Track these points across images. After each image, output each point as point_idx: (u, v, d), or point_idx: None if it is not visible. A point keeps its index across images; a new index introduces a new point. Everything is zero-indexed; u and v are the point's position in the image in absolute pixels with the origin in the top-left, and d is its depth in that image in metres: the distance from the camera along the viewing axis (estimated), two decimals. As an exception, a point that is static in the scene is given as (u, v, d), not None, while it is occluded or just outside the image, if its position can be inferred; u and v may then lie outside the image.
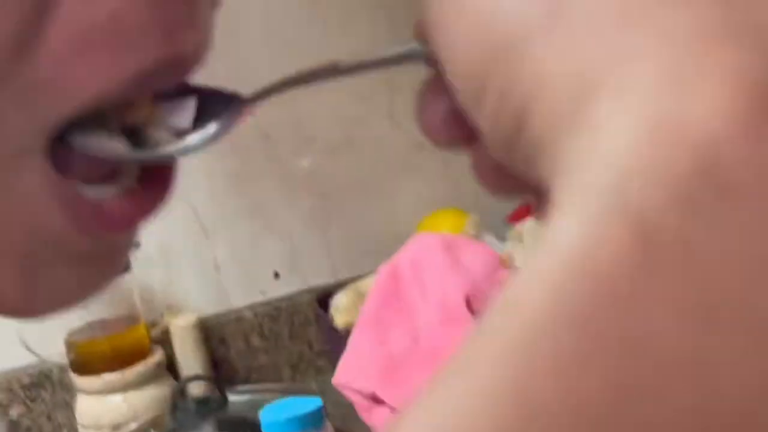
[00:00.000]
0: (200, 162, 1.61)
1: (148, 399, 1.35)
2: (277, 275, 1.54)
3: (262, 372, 1.54)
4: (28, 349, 1.30)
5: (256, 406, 1.24)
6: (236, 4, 1.62)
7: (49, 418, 1.35)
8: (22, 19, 0.26)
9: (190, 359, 1.42)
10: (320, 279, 1.58)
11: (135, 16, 0.28)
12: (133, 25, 0.28)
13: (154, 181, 0.34)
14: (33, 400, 1.33)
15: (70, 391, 1.32)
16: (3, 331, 1.31)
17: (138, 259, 1.48)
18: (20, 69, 0.26)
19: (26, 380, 1.33)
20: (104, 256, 0.34)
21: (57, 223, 0.29)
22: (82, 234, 0.30)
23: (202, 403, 1.37)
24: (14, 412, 1.33)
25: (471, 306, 1.39)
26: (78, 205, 0.30)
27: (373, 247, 1.63)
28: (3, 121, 0.27)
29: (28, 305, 0.33)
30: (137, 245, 1.42)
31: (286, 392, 1.35)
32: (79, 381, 1.27)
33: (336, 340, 1.45)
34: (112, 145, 0.31)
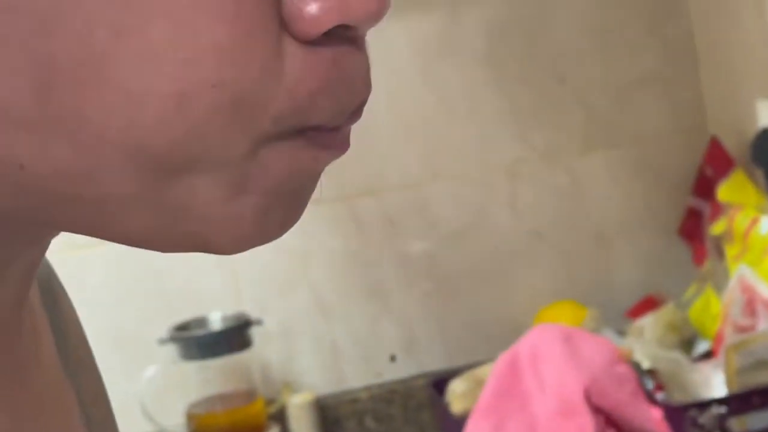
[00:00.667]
0: (323, 243, 1.67)
1: (263, 473, 1.33)
2: (393, 358, 1.55)
3: (376, 454, 1.51)
4: (150, 418, 1.33)
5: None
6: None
7: (164, 486, 1.38)
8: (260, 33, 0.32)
9: (305, 437, 1.40)
10: (436, 364, 1.58)
11: (353, 66, 0.35)
12: (352, 76, 0.35)
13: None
14: (152, 469, 1.36)
15: (188, 461, 1.34)
16: (125, 399, 1.34)
17: (259, 335, 1.51)
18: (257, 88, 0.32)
19: (146, 449, 1.36)
20: (303, 190, 0.39)
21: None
22: (332, 148, 0.37)
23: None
24: (132, 479, 1.36)
25: (590, 400, 1.37)
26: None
27: (488, 334, 1.64)
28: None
29: (262, 230, 0.37)
30: (260, 322, 1.45)
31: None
32: (197, 453, 1.30)
33: (451, 426, 1.44)
34: None
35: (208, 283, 1.64)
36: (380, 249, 1.73)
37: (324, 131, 0.36)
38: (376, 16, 0.34)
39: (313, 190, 0.39)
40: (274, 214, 0.37)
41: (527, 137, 1.70)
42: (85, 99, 0.31)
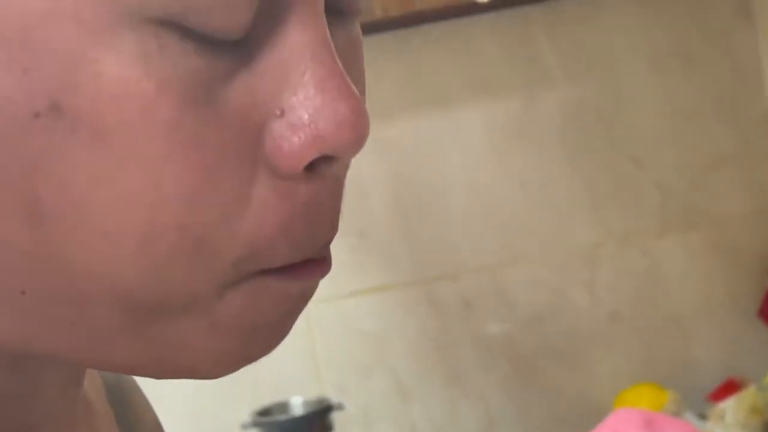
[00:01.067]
0: (401, 327, 1.66)
1: None
2: (473, 442, 1.50)
3: None
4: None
5: None
6: (440, 183, 1.69)
7: None
8: (226, 204, 0.33)
9: None
10: (516, 447, 1.52)
11: (322, 210, 0.35)
12: (319, 220, 0.35)
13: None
14: None
15: None
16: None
17: (340, 420, 1.48)
18: (225, 238, 0.33)
19: None
20: (285, 315, 0.39)
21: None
22: (300, 279, 0.37)
23: None
24: None
25: None
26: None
27: (568, 417, 1.59)
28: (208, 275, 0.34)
29: (244, 357, 0.38)
30: (341, 407, 1.44)
31: None
32: None
33: None
34: None
35: (289, 369, 1.62)
36: (458, 332, 1.68)
37: (286, 269, 0.36)
38: (355, 146, 0.35)
39: (301, 308, 0.40)
40: (256, 343, 0.37)
41: (604, 220, 1.68)
42: (68, 236, 0.32)
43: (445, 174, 1.64)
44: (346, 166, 0.38)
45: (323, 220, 0.36)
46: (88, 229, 0.32)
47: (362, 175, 1.68)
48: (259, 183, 0.34)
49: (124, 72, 0.31)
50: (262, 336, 0.38)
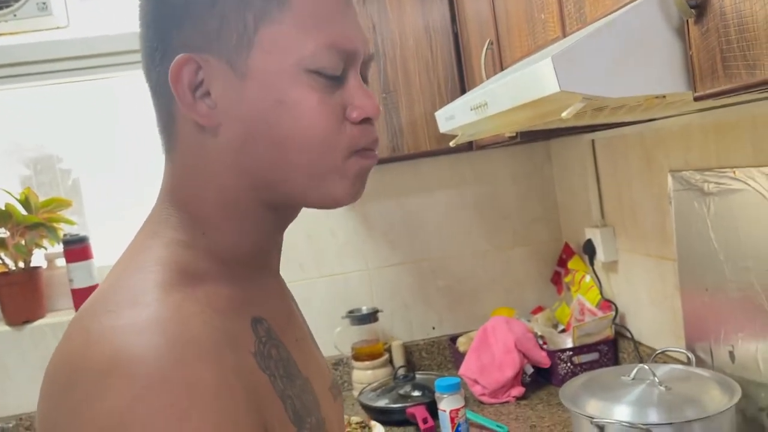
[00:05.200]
0: (406, 280, 2.39)
1: None
2: None
3: None
4: None
5: None
6: (422, 209, 2.39)
7: None
8: (337, 120, 0.74)
9: None
10: None
11: (371, 130, 0.77)
12: (369, 134, 0.77)
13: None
14: None
15: None
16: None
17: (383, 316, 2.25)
18: (337, 139, 0.74)
19: None
20: (365, 174, 0.77)
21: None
22: (367, 159, 0.77)
23: None
24: None
25: (516, 346, 2.15)
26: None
27: (471, 319, 2.40)
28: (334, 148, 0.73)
29: (354, 196, 0.75)
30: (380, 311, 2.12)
31: None
32: None
33: (459, 357, 2.32)
34: None
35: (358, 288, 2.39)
36: (429, 283, 2.45)
37: (366, 150, 0.75)
38: (376, 114, 0.73)
39: (368, 174, 0.76)
40: (355, 186, 0.75)
41: (489, 240, 2.44)
42: (289, 162, 0.72)
43: (428, 218, 2.47)
44: (375, 124, 0.76)
45: (371, 136, 0.76)
46: (296, 143, 0.72)
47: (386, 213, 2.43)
48: (346, 124, 0.74)
49: (302, 84, 0.72)
50: (358, 184, 0.75)
